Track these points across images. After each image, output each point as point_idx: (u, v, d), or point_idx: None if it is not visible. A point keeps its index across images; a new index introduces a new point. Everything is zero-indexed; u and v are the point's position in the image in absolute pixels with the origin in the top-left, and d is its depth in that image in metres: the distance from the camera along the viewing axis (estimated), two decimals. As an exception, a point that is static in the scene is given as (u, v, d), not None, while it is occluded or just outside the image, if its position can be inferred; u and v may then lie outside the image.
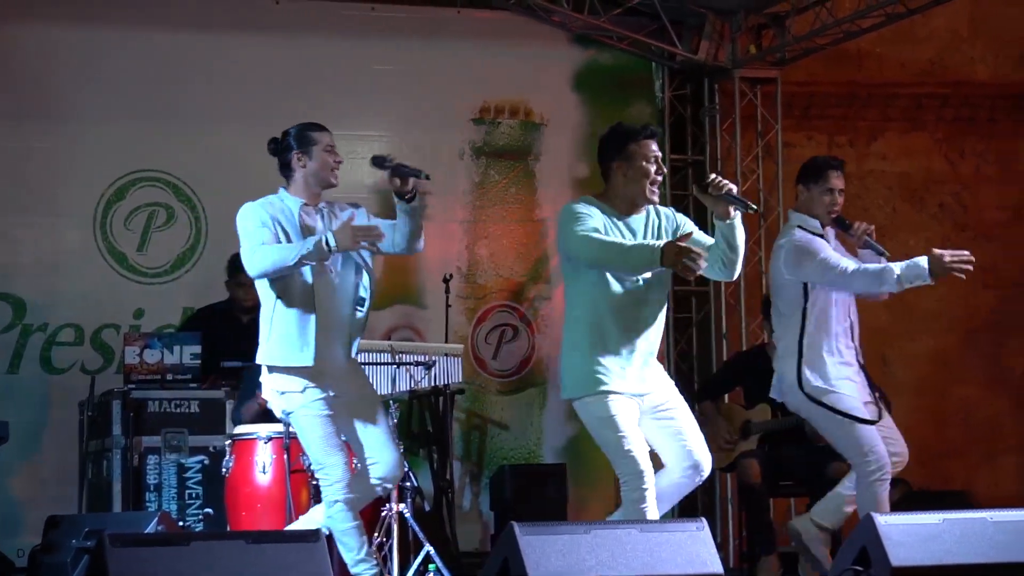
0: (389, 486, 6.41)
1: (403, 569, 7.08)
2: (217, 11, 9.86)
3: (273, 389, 6.24)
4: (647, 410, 6.14)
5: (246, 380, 7.87)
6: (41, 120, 9.59)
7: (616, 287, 6.07)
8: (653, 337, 6.19)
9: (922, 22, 10.85)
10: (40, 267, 9.54)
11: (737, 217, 6.07)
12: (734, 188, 6.08)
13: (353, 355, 6.35)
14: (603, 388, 6.03)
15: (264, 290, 6.26)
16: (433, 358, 7.80)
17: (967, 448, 11.15)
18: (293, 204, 6.34)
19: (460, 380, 8.39)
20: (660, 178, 6.15)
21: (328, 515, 6.15)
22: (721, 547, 9.79)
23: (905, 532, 5.83)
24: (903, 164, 11.23)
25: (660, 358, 10.13)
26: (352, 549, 6.14)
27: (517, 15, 10.19)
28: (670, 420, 6.17)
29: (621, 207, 6.16)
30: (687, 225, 6.21)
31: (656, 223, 6.20)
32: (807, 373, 6.96)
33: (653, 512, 6.01)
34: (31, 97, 9.57)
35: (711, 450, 8.96)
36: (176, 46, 9.77)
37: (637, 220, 6.17)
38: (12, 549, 8.64)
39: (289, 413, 6.22)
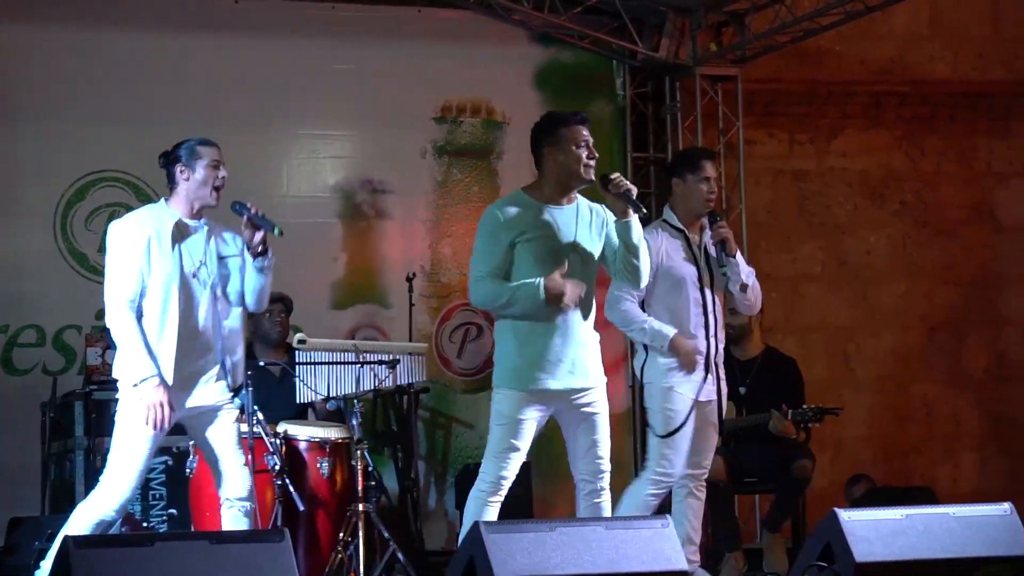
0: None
1: (369, 568, 7.07)
2: (177, 11, 9.81)
3: None
4: (571, 407, 6.16)
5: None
6: (0, 120, 9.54)
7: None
8: (584, 333, 6.20)
9: (882, 20, 10.90)
10: (0, 268, 9.48)
11: (634, 218, 6.11)
12: (634, 191, 6.13)
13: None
14: (516, 385, 6.10)
15: None
16: (397, 357, 7.79)
17: (928, 444, 11.21)
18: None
19: (424, 379, 8.38)
20: (593, 162, 6.17)
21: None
22: (685, 544, 9.81)
23: (869, 528, 5.87)
24: (864, 161, 11.27)
25: (623, 356, 10.26)
26: None
27: (478, 14, 10.18)
28: (585, 422, 6.20)
29: (554, 196, 6.18)
30: (611, 223, 6.23)
31: (587, 218, 6.22)
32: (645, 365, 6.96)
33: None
34: (-10, 97, 9.53)
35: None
36: (136, 46, 9.72)
37: (567, 212, 6.19)
38: (-26, 551, 8.60)
39: None
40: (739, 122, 10.68)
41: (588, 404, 6.18)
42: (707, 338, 6.95)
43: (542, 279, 6.02)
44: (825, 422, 8.72)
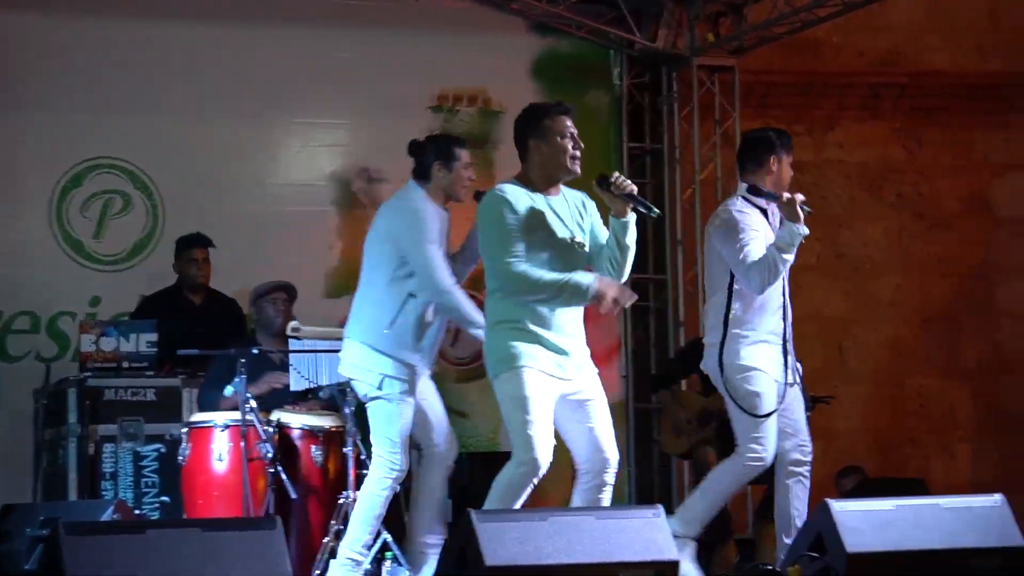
0: None
1: (361, 557, 7.07)
2: (174, 0, 9.82)
3: None
4: (566, 398, 6.12)
5: (216, 367, 7.84)
6: (-3, 107, 9.55)
7: (545, 266, 6.08)
8: (574, 319, 6.17)
9: (880, 11, 10.88)
10: (-5, 255, 9.49)
11: (632, 218, 6.08)
12: (635, 189, 6.10)
13: None
14: (519, 364, 6.01)
15: None
16: (391, 346, 7.77)
17: (923, 436, 11.22)
18: None
19: (418, 368, 8.36)
20: (578, 152, 6.14)
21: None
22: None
23: (860, 518, 5.87)
24: (861, 153, 11.27)
25: (616, 346, 10.26)
26: None
27: (476, 3, 10.17)
28: (584, 413, 6.15)
29: (541, 186, 6.16)
30: (595, 216, 6.22)
31: (575, 208, 6.20)
32: (727, 352, 6.82)
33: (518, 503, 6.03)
34: (-13, 84, 9.53)
35: (669, 437, 9.05)
36: (133, 34, 9.72)
37: (557, 201, 6.17)
38: (-34, 538, 8.60)
39: None
40: (736, 113, 10.68)
41: (581, 392, 6.16)
42: (783, 319, 6.87)
43: (594, 280, 5.98)
44: (819, 413, 8.72)
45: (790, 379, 6.82)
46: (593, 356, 6.28)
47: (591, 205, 6.26)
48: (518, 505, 6.01)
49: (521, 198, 6.10)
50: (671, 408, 8.79)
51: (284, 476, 7.23)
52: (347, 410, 7.28)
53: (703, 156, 10.69)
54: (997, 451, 11.08)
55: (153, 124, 9.76)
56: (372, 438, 6.89)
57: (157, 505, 8.10)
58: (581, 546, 5.48)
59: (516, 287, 6.07)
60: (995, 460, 11.02)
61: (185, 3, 9.84)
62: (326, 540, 7.08)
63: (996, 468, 10.95)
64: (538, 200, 6.12)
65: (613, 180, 6.06)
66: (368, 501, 6.85)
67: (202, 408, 7.84)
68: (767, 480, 8.51)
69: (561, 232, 6.12)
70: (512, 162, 10.28)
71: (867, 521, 5.87)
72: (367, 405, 6.85)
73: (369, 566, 6.94)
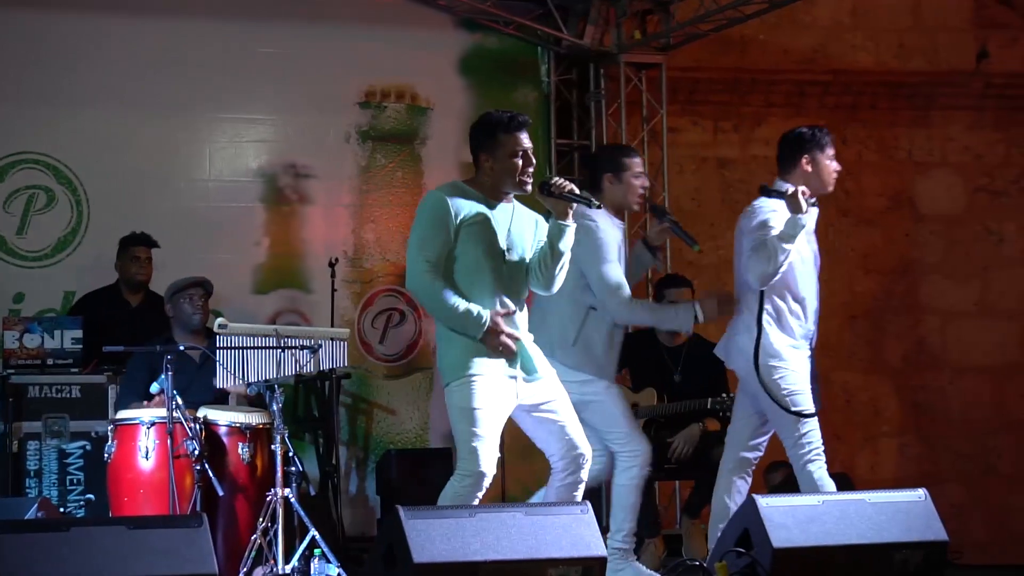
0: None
1: (288, 554, 7.04)
2: (99, -8, 9.77)
3: None
4: (526, 401, 6.12)
5: (134, 363, 7.79)
6: (-82, 101, 9.45)
7: (487, 274, 6.08)
8: (523, 319, 6.18)
9: (805, 9, 10.97)
10: (-84, 250, 9.40)
11: (571, 227, 6.07)
12: (576, 189, 6.10)
13: None
14: (469, 373, 6.00)
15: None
16: (319, 342, 7.74)
17: (848, 431, 11.30)
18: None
19: (346, 364, 8.34)
20: (531, 169, 6.10)
21: None
22: (607, 530, 9.86)
23: (786, 514, 5.91)
24: (787, 150, 11.31)
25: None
26: None
27: (403, -1, 10.18)
28: (552, 414, 6.17)
29: (490, 194, 6.13)
30: (542, 233, 6.21)
31: (524, 219, 6.19)
32: (762, 352, 6.83)
33: None
34: (-92, 78, 9.42)
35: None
36: (56, 28, 9.64)
37: (504, 210, 6.14)
38: None
39: None
40: (663, 109, 10.71)
41: (539, 392, 6.16)
42: (815, 323, 6.97)
43: (488, 317, 5.96)
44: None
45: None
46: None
47: (543, 227, 6.22)
48: None
49: (464, 205, 6.06)
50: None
51: (211, 473, 7.18)
52: (275, 407, 7.24)
53: (631, 153, 10.71)
54: (921, 446, 11.18)
55: (77, 119, 9.69)
56: (605, 439, 6.95)
57: (82, 503, 8.05)
58: (509, 543, 5.49)
59: (416, 288, 6.07)
60: (919, 455, 11.12)
61: (110, -3, 9.79)
62: (253, 538, 7.04)
63: (920, 463, 11.05)
64: (482, 208, 6.09)
65: (553, 183, 6.05)
66: (618, 491, 6.97)
67: (120, 406, 7.79)
68: (696, 476, 8.58)
69: (500, 243, 6.09)
70: (440, 158, 10.38)
71: (793, 517, 5.91)
72: (582, 416, 6.57)
73: (297, 564, 6.92)
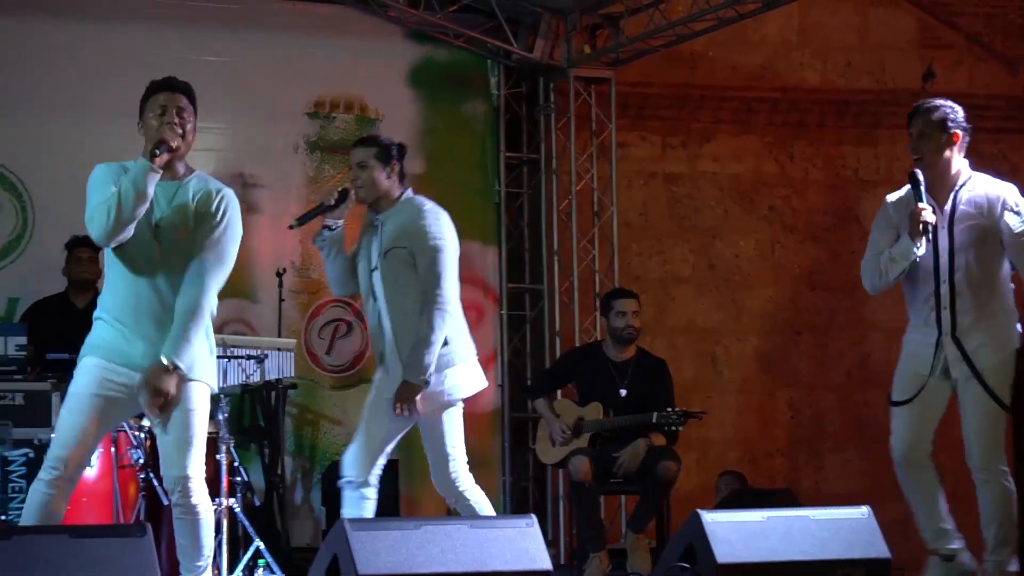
0: None
1: (233, 564, 7.03)
2: (48, -1, 9.72)
3: None
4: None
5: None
6: None
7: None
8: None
9: (754, 27, 11.03)
10: None
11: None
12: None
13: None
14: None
15: None
16: (265, 352, 7.75)
17: (793, 447, 11.35)
18: None
19: (293, 375, 8.34)
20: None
21: None
22: (552, 544, 9.87)
23: (730, 529, 5.93)
24: (734, 166, 11.39)
25: (492, 355, 10.28)
26: None
27: (352, 9, 10.16)
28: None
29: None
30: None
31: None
32: None
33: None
34: None
35: (544, 447, 9.08)
36: (1, 33, 9.58)
37: (170, 185, 6.09)
38: None
39: None
40: (612, 124, 10.75)
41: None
42: (938, 308, 6.72)
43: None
44: (694, 424, 8.82)
45: (937, 373, 6.68)
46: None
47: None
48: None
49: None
50: (547, 417, 8.83)
51: (155, 482, 7.15)
52: (220, 417, 7.23)
53: (579, 167, 10.75)
54: (864, 462, 11.23)
55: (21, 124, 9.63)
56: None
57: (24, 511, 7.97)
58: (454, 555, 5.48)
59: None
60: (863, 471, 11.17)
61: (58, 2, 9.71)
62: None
63: (863, 479, 11.10)
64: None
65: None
66: None
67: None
68: (641, 490, 8.60)
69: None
70: (388, 170, 10.31)
71: (737, 532, 5.93)
72: None
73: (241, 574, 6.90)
